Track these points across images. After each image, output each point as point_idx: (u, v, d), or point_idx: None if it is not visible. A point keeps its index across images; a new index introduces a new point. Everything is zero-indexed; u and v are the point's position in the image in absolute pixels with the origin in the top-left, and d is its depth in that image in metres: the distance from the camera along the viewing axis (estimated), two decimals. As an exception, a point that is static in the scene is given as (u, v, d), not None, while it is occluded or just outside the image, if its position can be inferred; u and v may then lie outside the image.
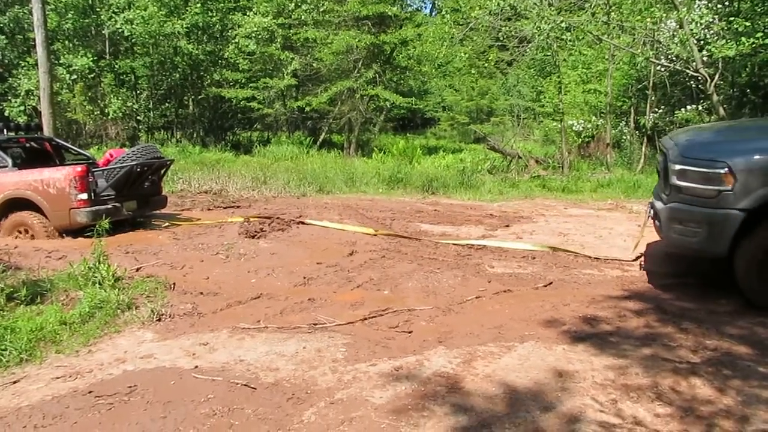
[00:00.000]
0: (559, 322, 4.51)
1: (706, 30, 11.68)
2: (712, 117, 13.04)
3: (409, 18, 24.06)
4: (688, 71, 12.46)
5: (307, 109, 22.30)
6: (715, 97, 12.17)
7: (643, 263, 6.19)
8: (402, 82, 25.68)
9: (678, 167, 4.79)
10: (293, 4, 21.37)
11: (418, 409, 3.20)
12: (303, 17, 21.29)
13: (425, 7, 35.03)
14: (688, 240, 4.79)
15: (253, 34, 21.00)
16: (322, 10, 21.06)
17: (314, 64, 22.19)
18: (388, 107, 23.82)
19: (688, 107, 14.60)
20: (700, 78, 12.12)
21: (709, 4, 11.90)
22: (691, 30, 11.32)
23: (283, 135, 23.20)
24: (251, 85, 22.02)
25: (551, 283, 5.66)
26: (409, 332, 4.39)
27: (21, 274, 5.59)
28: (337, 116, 22.62)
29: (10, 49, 21.18)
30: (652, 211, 5.39)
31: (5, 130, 8.71)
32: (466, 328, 4.43)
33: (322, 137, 22.85)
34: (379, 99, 21.93)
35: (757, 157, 4.47)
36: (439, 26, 16.50)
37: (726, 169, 4.48)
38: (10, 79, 20.27)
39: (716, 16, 11.86)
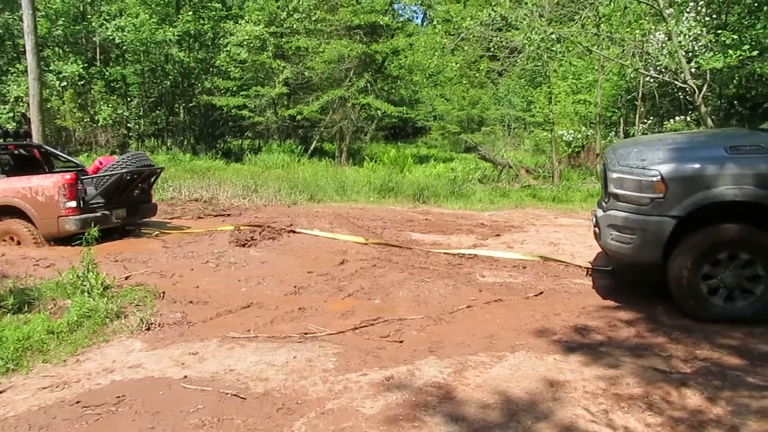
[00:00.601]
0: (550, 331, 4.51)
1: (694, 42, 11.81)
2: (701, 128, 13.16)
3: (400, 28, 24.18)
4: (676, 82, 12.59)
5: (299, 117, 22.31)
6: (703, 109, 12.30)
7: (589, 270, 6.35)
8: (393, 91, 25.80)
9: (615, 175, 4.92)
10: (285, 12, 21.44)
11: (410, 419, 3.18)
12: (295, 26, 21.36)
13: (417, 17, 35.19)
14: (623, 247, 4.88)
15: (245, 43, 21.03)
16: (314, 19, 21.14)
17: (306, 73, 22.22)
18: (379, 116, 23.88)
19: (677, 118, 14.75)
20: (688, 89, 12.25)
21: (698, 17, 12.05)
22: (680, 42, 11.45)
23: (275, 143, 23.20)
24: (242, 93, 22.02)
25: (542, 292, 5.67)
26: (400, 342, 4.37)
27: (8, 282, 5.52)
28: (329, 125, 22.65)
29: (0, 55, 21.06)
30: (594, 219, 5.48)
31: (-6, 137, 8.64)
32: (457, 337, 4.42)
33: (313, 146, 22.86)
34: (371, 108, 21.99)
35: (687, 165, 4.59)
36: (431, 36, 16.59)
37: (658, 177, 4.60)
38: (0, 85, 20.14)
39: (704, 29, 12.01)
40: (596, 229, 5.30)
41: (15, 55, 21.31)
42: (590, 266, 6.52)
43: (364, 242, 7.85)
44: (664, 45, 11.95)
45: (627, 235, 4.82)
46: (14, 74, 19.89)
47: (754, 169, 4.44)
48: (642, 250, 4.75)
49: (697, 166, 4.56)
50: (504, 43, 15.20)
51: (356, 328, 4.64)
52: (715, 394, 3.44)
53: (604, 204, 5.26)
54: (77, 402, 3.44)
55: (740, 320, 4.60)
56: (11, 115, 19.53)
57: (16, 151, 8.87)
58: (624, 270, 5.37)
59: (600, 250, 6.29)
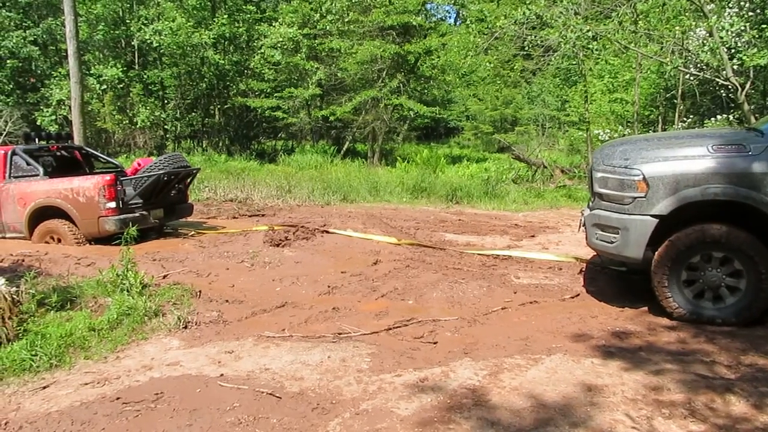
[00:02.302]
0: (587, 334, 4.43)
1: (737, 38, 11.48)
2: (743, 126, 12.78)
3: (433, 28, 24.11)
4: (718, 80, 12.25)
5: (332, 118, 22.44)
6: (746, 107, 11.94)
7: (583, 269, 6.34)
8: (426, 91, 25.71)
9: (599, 175, 4.93)
10: (318, 14, 21.58)
11: (444, 421, 3.16)
12: (328, 27, 21.48)
13: (450, 17, 35.04)
14: (607, 245, 4.89)
15: (279, 45, 21.24)
16: (347, 20, 21.22)
17: (339, 74, 22.34)
18: (411, 116, 23.86)
19: (718, 116, 14.36)
20: (730, 87, 11.90)
21: (740, 12, 11.71)
22: (721, 38, 11.13)
23: (308, 144, 23.38)
24: (276, 94, 22.26)
25: (578, 294, 5.58)
26: (434, 343, 4.35)
27: (51, 280, 5.67)
28: (361, 125, 22.72)
29: (43, 60, 21.70)
30: (582, 219, 5.43)
31: (37, 140, 8.90)
32: (492, 339, 4.37)
33: (346, 146, 22.96)
34: (403, 108, 21.98)
35: (668, 164, 4.55)
36: (464, 36, 16.49)
37: (640, 176, 4.60)
38: (43, 89, 20.75)
39: (747, 24, 11.66)
40: (584, 228, 5.29)
41: (57, 59, 21.95)
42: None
43: (396, 243, 7.84)
44: (705, 41, 11.63)
45: (610, 234, 4.84)
46: (57, 78, 20.47)
47: (736, 168, 4.39)
48: (624, 248, 4.76)
49: (678, 165, 4.54)
50: (538, 42, 14.98)
51: (390, 329, 4.63)
52: (762, 401, 3.33)
53: (590, 203, 5.28)
54: (117, 398, 3.51)
55: (723, 321, 4.54)
56: (53, 117, 20.10)
57: (58, 153, 9.11)
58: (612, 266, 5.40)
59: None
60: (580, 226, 5.58)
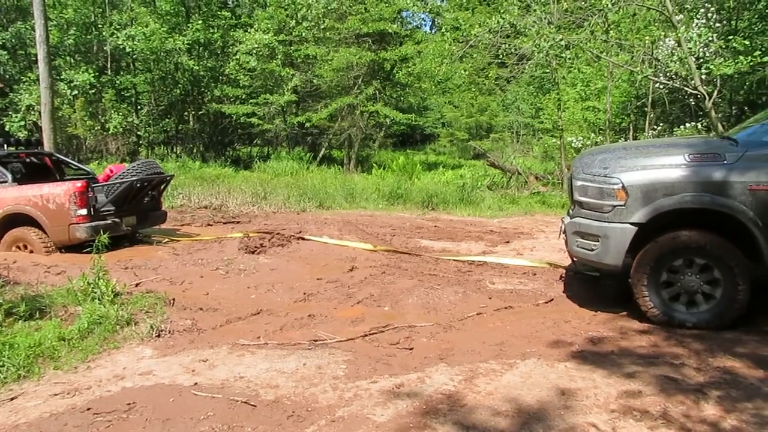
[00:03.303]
0: (561, 339, 4.48)
1: (704, 48, 11.77)
2: (711, 134, 13.09)
3: (409, 35, 24.23)
4: (686, 89, 12.53)
5: (308, 125, 22.39)
6: (713, 115, 12.23)
7: (563, 275, 6.42)
8: (402, 98, 25.83)
9: (579, 183, 5.00)
10: (294, 21, 21.56)
11: (420, 427, 3.16)
12: (304, 34, 21.46)
13: (425, 25, 35.29)
14: (587, 253, 4.97)
15: (254, 51, 21.16)
16: (322, 27, 21.23)
17: (314, 81, 22.31)
18: (388, 123, 23.94)
19: (687, 125, 14.67)
20: (698, 95, 12.18)
21: (708, 23, 12.00)
22: (690, 48, 11.40)
23: (283, 150, 23.27)
24: (252, 101, 22.14)
25: (552, 299, 5.64)
26: (410, 349, 4.36)
27: (20, 289, 5.55)
28: (337, 132, 22.70)
29: (12, 64, 21.29)
30: (562, 227, 5.51)
31: (5, 146, 8.71)
32: (467, 344, 4.40)
33: (322, 153, 22.92)
34: (379, 115, 22.03)
35: (646, 173, 4.64)
36: (439, 43, 16.63)
37: (619, 184, 4.68)
38: (12, 94, 20.34)
39: (715, 35, 11.96)
40: (564, 235, 5.36)
41: (27, 64, 21.54)
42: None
43: (372, 249, 7.85)
44: (673, 51, 11.90)
45: (590, 242, 4.91)
46: (26, 83, 20.09)
47: (713, 177, 4.49)
48: (605, 256, 4.83)
49: (656, 174, 4.64)
50: (512, 50, 15.18)
51: (366, 336, 4.63)
52: (730, 403, 3.40)
53: (570, 211, 5.35)
54: (88, 409, 3.44)
55: (701, 326, 4.62)
56: (23, 123, 19.71)
57: (27, 159, 8.94)
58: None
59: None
60: (560, 234, 5.65)
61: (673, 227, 4.67)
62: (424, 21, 34.11)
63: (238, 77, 21.91)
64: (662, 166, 4.68)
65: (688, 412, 3.30)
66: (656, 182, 4.60)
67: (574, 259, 5.38)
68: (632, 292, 4.84)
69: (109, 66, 22.29)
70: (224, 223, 10.68)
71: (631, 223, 4.68)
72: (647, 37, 11.90)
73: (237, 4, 26.48)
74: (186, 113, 23.79)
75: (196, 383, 3.77)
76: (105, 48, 21.85)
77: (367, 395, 3.56)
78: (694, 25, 11.96)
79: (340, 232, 9.10)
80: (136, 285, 6.09)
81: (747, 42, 11.49)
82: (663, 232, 4.68)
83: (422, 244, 8.57)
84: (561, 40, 12.50)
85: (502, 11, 13.44)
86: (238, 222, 10.78)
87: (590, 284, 6.18)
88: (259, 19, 22.66)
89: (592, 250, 4.88)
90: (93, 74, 20.59)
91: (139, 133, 22.54)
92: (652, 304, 4.73)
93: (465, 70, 19.84)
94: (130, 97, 22.98)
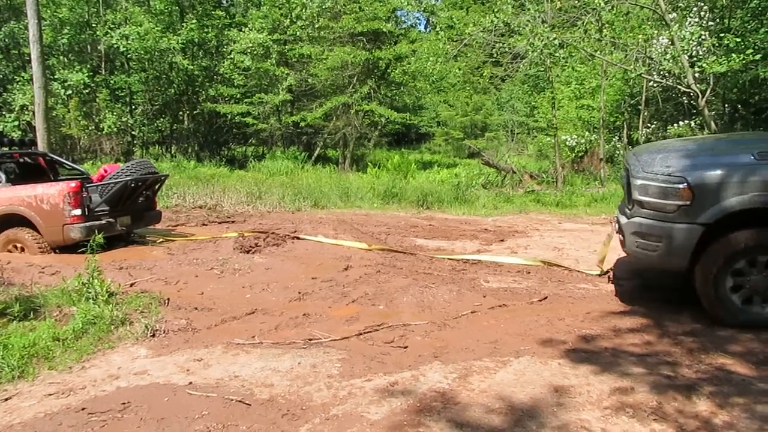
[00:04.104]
0: (555, 337, 4.50)
1: (697, 46, 11.83)
2: (704, 132, 13.16)
3: (403, 34, 24.27)
4: (680, 87, 12.59)
5: (302, 124, 22.39)
6: (706, 113, 12.29)
7: (611, 276, 6.26)
8: (397, 97, 25.88)
9: (639, 182, 4.86)
10: (288, 20, 21.55)
11: (414, 425, 3.18)
12: (298, 33, 21.46)
13: (420, 24, 35.33)
14: (649, 254, 4.84)
15: (249, 50, 21.15)
16: (317, 26, 21.24)
17: (309, 80, 22.32)
18: (382, 122, 23.95)
19: (681, 123, 14.75)
20: (692, 93, 12.25)
21: (701, 22, 12.07)
22: (683, 46, 11.46)
23: (278, 150, 23.27)
24: (246, 100, 22.12)
25: (546, 297, 5.66)
26: (405, 347, 4.37)
27: (14, 289, 5.54)
28: (332, 131, 22.72)
29: (5, 64, 21.23)
30: (617, 226, 5.44)
31: (-1, 146, 8.69)
32: (461, 343, 4.41)
33: (317, 152, 22.92)
34: (374, 114, 22.06)
35: (714, 172, 4.53)
36: (434, 42, 16.65)
37: (684, 184, 4.54)
38: (5, 94, 20.29)
39: (707, 33, 12.02)
40: (620, 236, 5.23)
41: (20, 63, 21.47)
42: (604, 273, 6.49)
43: (367, 248, 7.86)
44: (667, 49, 11.96)
45: (653, 243, 4.75)
46: (20, 83, 20.03)
47: None
48: (668, 257, 4.68)
49: (724, 172, 4.47)
50: (507, 49, 15.24)
51: (360, 334, 4.64)
52: (723, 400, 3.42)
53: (627, 210, 5.17)
54: (83, 409, 3.44)
55: None
56: (17, 123, 19.66)
57: (21, 160, 8.91)
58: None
59: (617, 256, 6.34)
60: (612, 234, 5.50)
61: (733, 228, 4.52)
62: (419, 20, 34.18)
63: (232, 77, 21.90)
64: (729, 164, 4.53)
65: (681, 409, 3.33)
66: (724, 181, 4.44)
67: (636, 260, 5.15)
68: (699, 295, 4.70)
69: (103, 65, 22.24)
70: (219, 223, 10.67)
71: (698, 224, 4.52)
72: (640, 36, 11.95)
73: (231, 3, 26.45)
74: (180, 113, 23.75)
75: (190, 382, 3.78)
76: (99, 47, 21.81)
77: (361, 393, 3.58)
78: (687, 23, 12.03)
79: (335, 231, 9.11)
80: (131, 285, 6.08)
81: (739, 39, 11.55)
82: (727, 232, 4.53)
83: (417, 242, 8.59)
84: (555, 38, 12.55)
85: (496, 10, 13.48)
86: (233, 221, 10.77)
87: (584, 282, 6.21)
88: (253, 18, 22.65)
89: (655, 251, 4.73)
90: (87, 74, 20.55)
91: (133, 132, 22.50)
92: (725, 312, 4.61)
93: (459, 69, 19.94)
94: (124, 97, 22.93)
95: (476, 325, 4.88)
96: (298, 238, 8.44)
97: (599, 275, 6.39)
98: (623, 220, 5.18)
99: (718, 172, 4.51)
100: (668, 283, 5.66)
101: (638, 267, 5.48)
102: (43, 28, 15.40)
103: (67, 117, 20.82)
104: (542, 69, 17.89)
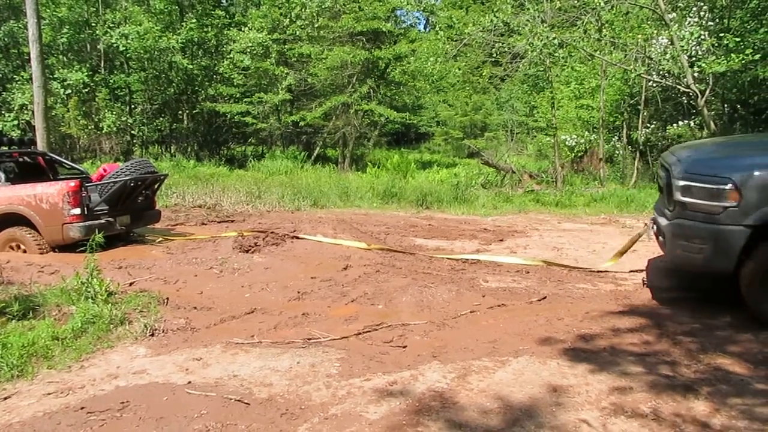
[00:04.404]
0: (554, 336, 4.50)
1: (697, 46, 11.83)
2: (704, 132, 13.17)
3: (403, 34, 24.28)
4: (679, 87, 12.60)
5: (302, 123, 22.39)
6: (706, 113, 12.30)
7: (645, 279, 6.17)
8: (396, 97, 25.86)
9: (682, 183, 4.73)
10: (288, 20, 21.54)
11: (413, 424, 3.18)
12: (298, 33, 21.45)
13: (419, 24, 35.38)
14: (694, 256, 4.73)
15: (248, 50, 21.14)
16: (316, 26, 21.23)
17: (309, 79, 22.31)
18: (382, 122, 23.96)
19: (680, 123, 14.76)
20: (691, 94, 12.25)
21: (700, 22, 12.07)
22: (682, 46, 11.46)
23: (278, 149, 23.27)
24: (246, 99, 22.12)
25: (545, 297, 5.66)
26: (404, 347, 4.37)
27: (13, 288, 5.55)
28: (332, 131, 22.71)
29: (5, 63, 21.22)
30: (654, 227, 5.34)
31: (-2, 145, 8.68)
32: (460, 342, 4.42)
33: (316, 152, 22.92)
34: (374, 114, 22.05)
35: (762, 172, 4.41)
36: (433, 42, 16.65)
37: (731, 185, 4.43)
38: (4, 93, 20.28)
39: (706, 32, 12.03)
40: (661, 238, 5.13)
41: (20, 63, 21.45)
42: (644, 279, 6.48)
43: (366, 248, 7.86)
44: (666, 49, 11.97)
45: (697, 245, 4.65)
46: (19, 82, 20.02)
47: None
48: (714, 260, 4.59)
49: None
50: (506, 49, 15.23)
51: (359, 334, 4.64)
52: (722, 400, 3.43)
53: (668, 212, 5.08)
54: (82, 408, 3.45)
55: None
56: (16, 122, 19.65)
57: (20, 159, 8.91)
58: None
59: (646, 259, 6.34)
60: (652, 235, 5.42)
61: None
62: (418, 20, 34.22)
63: (232, 76, 21.88)
64: None
65: (679, 409, 3.33)
66: None
67: (679, 263, 5.05)
68: (745, 297, 4.63)
69: (102, 65, 22.21)
70: (218, 222, 10.67)
71: (745, 226, 4.43)
72: (640, 36, 11.96)
73: (231, 2, 26.46)
74: (180, 112, 23.73)
75: (189, 382, 3.78)
76: (98, 47, 21.78)
77: (360, 393, 3.58)
78: (686, 23, 12.03)
79: (334, 230, 9.11)
80: (130, 284, 6.08)
81: (738, 39, 11.55)
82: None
83: (416, 242, 8.59)
84: (554, 38, 12.55)
85: (495, 10, 13.48)
86: (232, 221, 10.77)
87: (583, 282, 6.22)
88: (253, 17, 22.64)
89: (699, 253, 4.64)
90: (86, 73, 20.54)
91: (132, 132, 22.48)
92: (765, 304, 4.54)
93: (459, 69, 19.92)
94: (123, 96, 22.91)
95: (475, 324, 4.88)
96: (297, 237, 8.45)
97: (605, 270, 6.37)
98: (663, 221, 5.08)
99: (766, 172, 4.40)
100: (703, 284, 5.62)
101: (679, 269, 5.32)
102: (42, 27, 15.40)
103: (67, 116, 20.82)
104: (542, 69, 17.90)
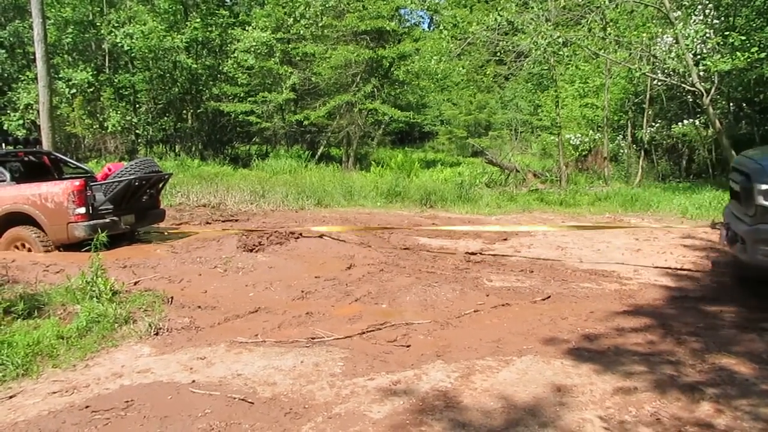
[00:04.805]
0: (558, 336, 4.50)
1: (702, 45, 11.79)
2: (709, 131, 13.12)
3: (407, 33, 24.26)
4: (684, 85, 12.55)
5: (306, 122, 22.41)
6: (711, 111, 12.25)
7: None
8: (400, 96, 25.85)
9: (765, 187, 4.65)
10: (292, 19, 21.55)
11: (416, 424, 3.18)
12: (302, 32, 21.47)
13: (423, 23, 35.27)
14: None
15: (252, 49, 21.17)
16: (320, 25, 21.24)
17: (313, 79, 22.33)
18: (386, 121, 23.95)
19: (685, 121, 14.70)
20: (696, 92, 12.21)
21: (706, 20, 12.02)
22: (687, 45, 11.42)
23: (282, 148, 23.30)
24: (250, 99, 22.15)
25: (549, 296, 5.65)
26: (407, 346, 4.37)
27: (18, 287, 5.57)
28: (336, 130, 22.72)
29: (10, 63, 21.29)
30: (727, 233, 5.24)
31: (3, 144, 8.71)
32: (464, 341, 4.41)
33: (320, 151, 22.94)
34: (378, 113, 22.04)
35: None
36: (437, 41, 16.64)
37: None
38: (10, 93, 20.35)
39: (712, 31, 11.98)
40: (739, 244, 5.03)
41: (25, 62, 21.54)
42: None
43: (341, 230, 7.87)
44: (671, 48, 11.92)
45: None
46: (24, 82, 20.09)
47: None
48: None
49: None
50: (511, 48, 15.21)
51: (363, 333, 4.64)
52: (726, 401, 3.42)
53: (747, 217, 4.98)
54: (86, 407, 3.45)
55: None
56: (21, 122, 19.72)
57: (25, 158, 8.94)
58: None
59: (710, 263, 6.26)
60: (724, 241, 5.37)
61: None
62: (422, 18, 34.19)
63: (236, 75, 21.92)
64: None
65: (683, 409, 3.32)
66: None
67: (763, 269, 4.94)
68: None
69: (107, 64, 22.28)
70: (223, 221, 10.69)
71: None
72: (645, 34, 11.92)
73: (235, 2, 26.50)
74: (184, 111, 23.79)
75: (194, 381, 3.79)
76: (103, 46, 21.85)
77: (363, 392, 3.58)
78: (691, 21, 11.98)
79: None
80: (135, 283, 6.10)
81: (744, 37, 11.50)
82: None
83: (420, 241, 8.59)
84: (559, 37, 12.52)
85: (499, 8, 13.46)
86: (236, 220, 10.79)
87: (587, 281, 6.20)
88: (257, 17, 22.69)
89: None
90: (91, 73, 20.60)
91: (137, 131, 22.55)
92: None
93: (463, 68, 19.87)
94: (128, 96, 22.98)
95: (479, 324, 4.88)
96: (302, 235, 8.45)
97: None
98: (743, 228, 4.99)
99: None
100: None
101: (761, 274, 5.20)
102: (47, 27, 15.45)
103: (72, 116, 20.88)
104: (546, 67, 17.87)
